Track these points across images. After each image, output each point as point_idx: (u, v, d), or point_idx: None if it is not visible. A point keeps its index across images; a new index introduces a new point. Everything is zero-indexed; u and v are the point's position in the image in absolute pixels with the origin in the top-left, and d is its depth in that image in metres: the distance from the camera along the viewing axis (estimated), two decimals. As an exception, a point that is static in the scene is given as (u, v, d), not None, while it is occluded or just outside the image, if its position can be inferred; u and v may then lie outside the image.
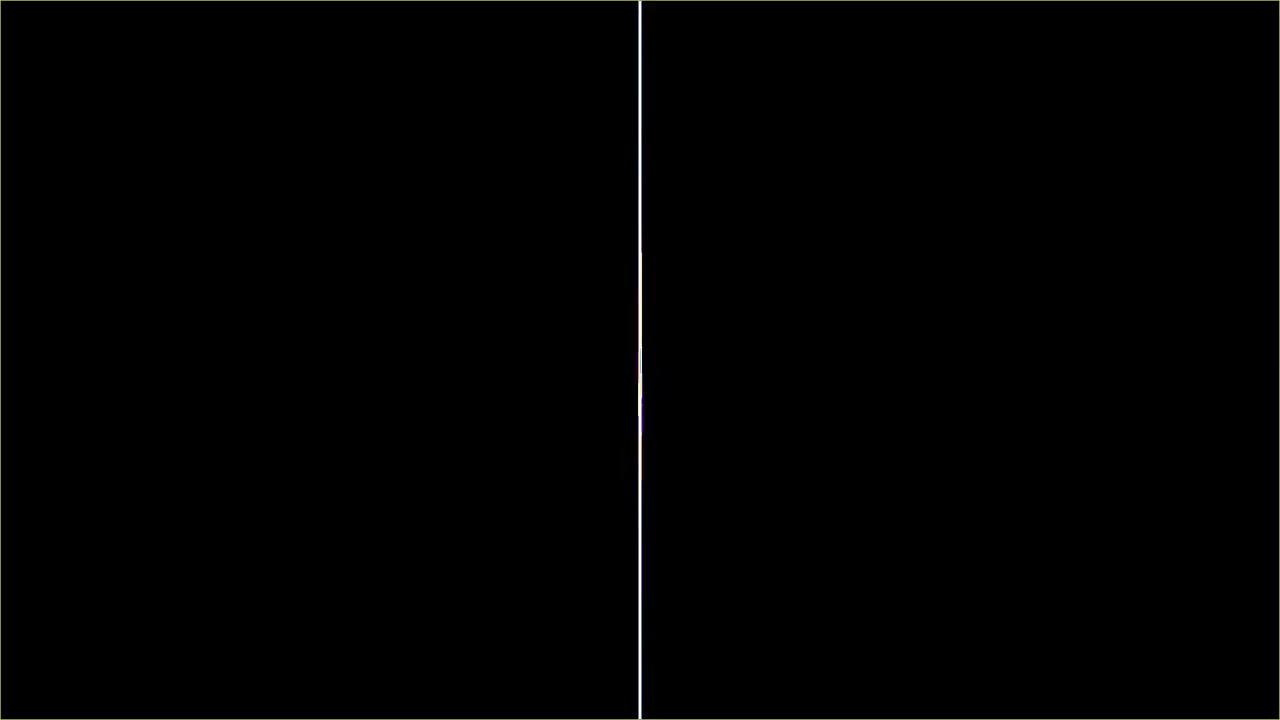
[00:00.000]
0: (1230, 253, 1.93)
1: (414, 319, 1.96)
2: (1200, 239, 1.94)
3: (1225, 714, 1.93)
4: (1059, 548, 1.94)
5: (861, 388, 1.95)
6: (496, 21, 1.97)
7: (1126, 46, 1.95)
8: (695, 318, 1.97)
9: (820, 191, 1.96)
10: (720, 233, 1.97)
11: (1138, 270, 1.94)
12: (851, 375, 1.96)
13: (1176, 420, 1.93)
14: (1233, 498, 1.93)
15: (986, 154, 1.95)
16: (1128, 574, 1.94)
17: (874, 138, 1.96)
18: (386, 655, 1.95)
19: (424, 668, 1.96)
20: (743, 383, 1.96)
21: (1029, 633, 1.94)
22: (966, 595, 1.95)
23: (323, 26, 1.96)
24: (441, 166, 1.96)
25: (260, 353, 1.94)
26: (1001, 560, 1.94)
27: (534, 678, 1.96)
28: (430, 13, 1.97)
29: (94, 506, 1.93)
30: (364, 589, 1.95)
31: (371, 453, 1.95)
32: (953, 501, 1.95)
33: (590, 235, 1.97)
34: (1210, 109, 1.94)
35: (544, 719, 1.96)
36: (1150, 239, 1.94)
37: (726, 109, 1.97)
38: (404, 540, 1.95)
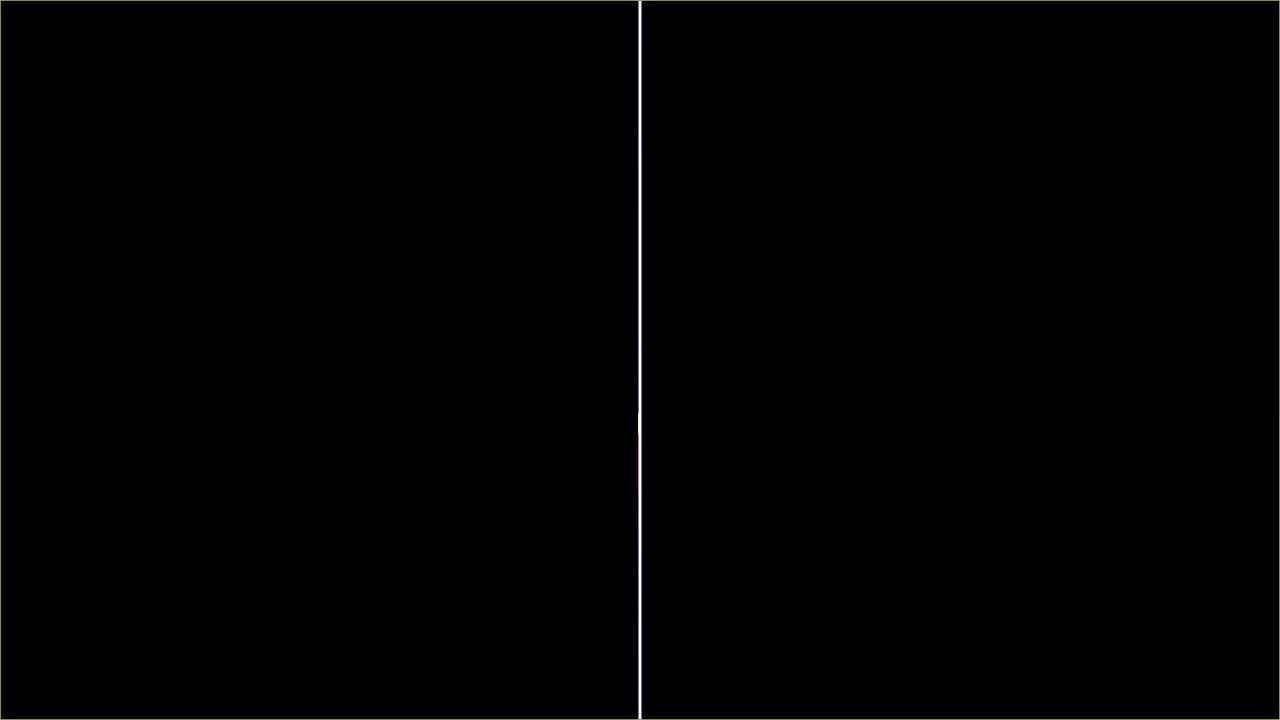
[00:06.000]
0: (1230, 252, 1.93)
1: (414, 319, 1.96)
2: (1200, 238, 1.94)
3: (1225, 714, 1.93)
4: (1058, 547, 1.94)
5: (860, 388, 1.95)
6: (496, 21, 1.97)
7: (1127, 46, 1.95)
8: (695, 318, 1.97)
9: (820, 191, 1.96)
10: (720, 232, 1.97)
11: (1138, 270, 1.94)
12: (851, 376, 1.96)
13: (1177, 420, 1.93)
14: (1233, 498, 1.93)
15: (986, 154, 1.96)
16: (1128, 573, 1.94)
17: (874, 138, 1.96)
18: (387, 655, 1.96)
19: (424, 668, 1.96)
20: (742, 383, 1.96)
21: (1029, 632, 1.94)
22: (966, 595, 1.95)
23: (323, 26, 1.96)
24: (442, 166, 1.96)
25: (259, 353, 1.94)
26: (1001, 560, 1.94)
27: (534, 678, 1.96)
28: (430, 13, 1.97)
29: (94, 506, 1.93)
30: (364, 589, 1.95)
31: (372, 453, 1.95)
32: (952, 501, 1.95)
33: (590, 235, 1.97)
34: (1210, 109, 1.94)
35: (544, 719, 1.96)
36: (1150, 238, 1.94)
37: (726, 109, 1.97)
38: (404, 541, 1.95)
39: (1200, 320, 1.93)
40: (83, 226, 1.94)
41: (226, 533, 1.94)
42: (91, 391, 1.93)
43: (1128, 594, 1.94)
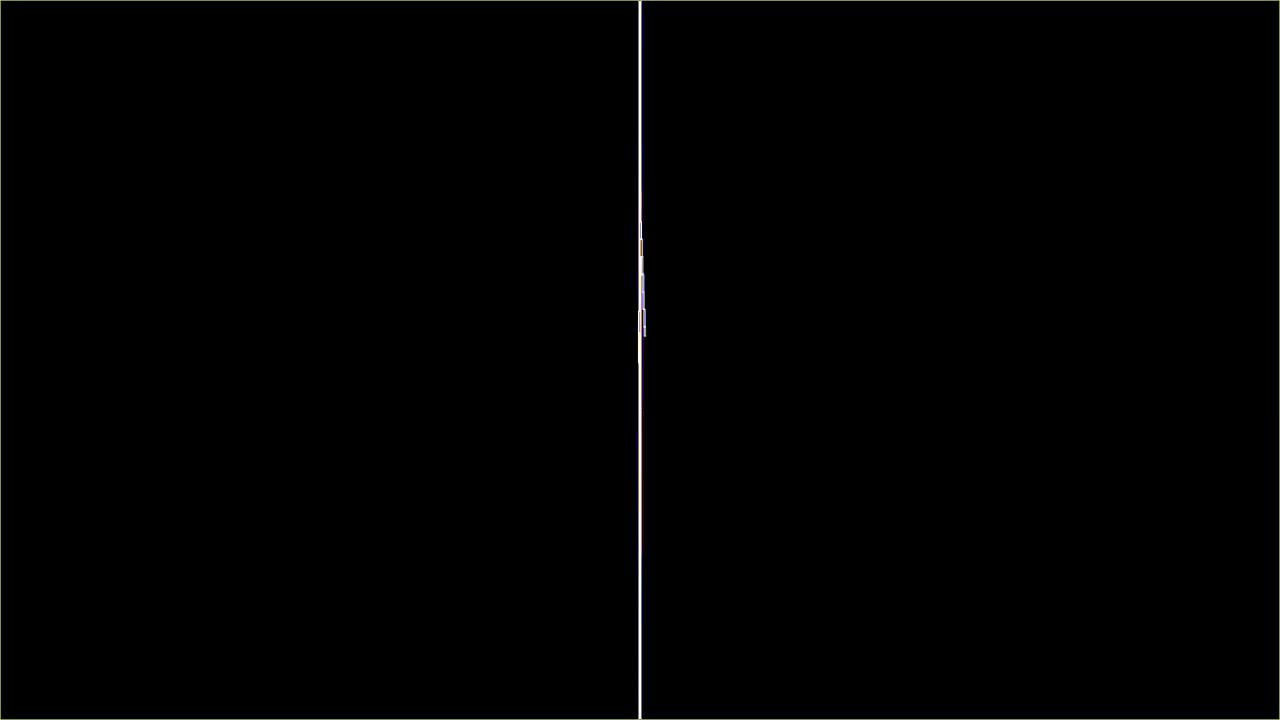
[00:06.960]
0: (1230, 252, 1.93)
1: (413, 319, 1.96)
2: (1200, 238, 1.94)
3: (1225, 714, 1.93)
4: (1058, 548, 1.94)
5: (860, 389, 1.95)
6: (496, 21, 1.97)
7: (1127, 46, 1.95)
8: (695, 317, 1.97)
9: (819, 192, 1.96)
10: (720, 232, 1.97)
11: (1137, 269, 1.94)
12: (850, 376, 1.96)
13: (1177, 420, 1.93)
14: (1233, 498, 1.93)
15: (987, 154, 1.95)
16: (1127, 573, 1.94)
17: (874, 138, 1.96)
18: (387, 655, 1.96)
19: (424, 668, 1.96)
20: (742, 384, 1.96)
21: (1029, 632, 1.94)
22: (966, 595, 1.95)
23: (323, 26, 1.96)
24: (441, 166, 1.96)
25: (260, 353, 1.94)
26: (1001, 560, 1.94)
27: (534, 678, 1.96)
28: (430, 13, 1.97)
29: (94, 506, 1.93)
30: (364, 589, 1.95)
31: (372, 453, 1.95)
32: (952, 501, 1.95)
33: (590, 234, 1.97)
34: (1210, 109, 1.94)
35: (544, 719, 1.96)
36: (1150, 238, 1.94)
37: (726, 109, 1.97)
38: (404, 541, 1.95)
39: (1200, 320, 1.93)
40: (83, 226, 1.94)
41: (226, 533, 1.94)
42: (91, 391, 1.93)
43: (1127, 594, 1.94)
